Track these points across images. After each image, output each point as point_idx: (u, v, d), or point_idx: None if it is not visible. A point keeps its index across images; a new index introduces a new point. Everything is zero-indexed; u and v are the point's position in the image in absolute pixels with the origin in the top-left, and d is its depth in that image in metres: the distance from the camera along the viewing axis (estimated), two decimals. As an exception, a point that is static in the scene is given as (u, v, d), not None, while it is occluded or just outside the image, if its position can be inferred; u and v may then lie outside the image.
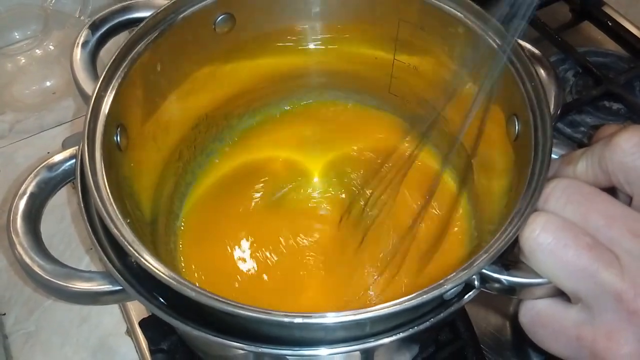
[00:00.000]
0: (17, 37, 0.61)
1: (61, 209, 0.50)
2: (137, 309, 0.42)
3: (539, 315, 0.26)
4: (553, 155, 0.29)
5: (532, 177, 0.28)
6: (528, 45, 0.35)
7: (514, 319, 0.43)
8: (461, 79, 0.38)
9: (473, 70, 0.36)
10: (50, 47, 0.60)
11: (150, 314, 0.41)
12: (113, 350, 0.43)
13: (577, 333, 0.25)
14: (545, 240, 0.24)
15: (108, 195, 0.29)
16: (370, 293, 0.39)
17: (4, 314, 0.45)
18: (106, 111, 0.32)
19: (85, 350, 0.43)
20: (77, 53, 0.35)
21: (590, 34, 0.63)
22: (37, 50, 0.59)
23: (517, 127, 0.32)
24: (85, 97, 0.33)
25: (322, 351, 0.27)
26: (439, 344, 0.39)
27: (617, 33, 0.60)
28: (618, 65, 0.58)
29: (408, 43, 0.40)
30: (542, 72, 0.33)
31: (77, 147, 0.31)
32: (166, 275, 0.26)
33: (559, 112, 0.34)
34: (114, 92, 0.32)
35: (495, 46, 0.33)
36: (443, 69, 0.39)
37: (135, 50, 0.34)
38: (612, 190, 0.27)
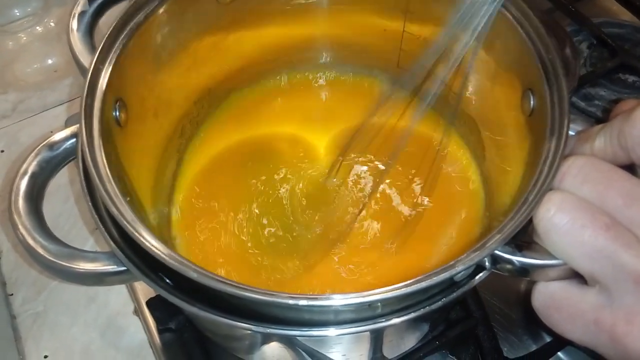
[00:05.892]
0: (18, 14, 0.60)
1: (66, 189, 0.49)
2: (144, 289, 0.42)
3: (553, 298, 0.26)
4: (569, 132, 0.28)
5: (548, 155, 0.27)
6: (543, 16, 0.33)
7: (525, 297, 0.42)
8: (473, 52, 0.36)
9: (486, 43, 0.35)
10: (51, 24, 0.59)
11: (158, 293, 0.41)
12: (121, 330, 0.43)
13: (594, 317, 0.24)
14: (561, 220, 0.24)
15: (107, 172, 0.28)
16: (376, 270, 0.38)
17: (12, 295, 0.45)
18: (104, 85, 0.31)
19: (94, 330, 0.43)
20: (74, 24, 0.34)
21: (604, 4, 0.61)
22: (37, 28, 0.59)
23: (532, 102, 0.31)
24: (83, 70, 0.32)
25: (331, 331, 0.27)
26: (450, 322, 0.39)
27: (633, 3, 0.58)
28: (634, 37, 0.56)
29: (419, 14, 0.39)
30: (557, 43, 0.32)
31: (78, 125, 0.30)
32: (167, 256, 0.25)
33: (574, 85, 0.32)
34: (112, 64, 0.31)
35: (512, 18, 0.32)
36: (455, 41, 0.38)
37: (135, 20, 0.33)
38: (631, 169, 0.26)
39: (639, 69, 0.52)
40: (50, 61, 0.58)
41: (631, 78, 0.53)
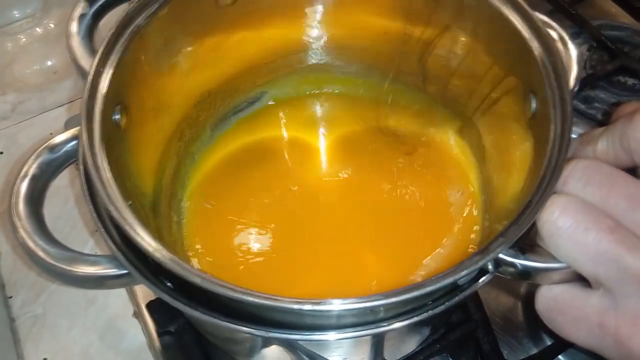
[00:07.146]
0: (17, 15, 0.60)
1: (65, 191, 0.49)
2: (144, 292, 0.42)
3: (557, 302, 0.26)
4: (572, 135, 0.28)
5: (551, 158, 0.27)
6: (545, 18, 0.33)
7: (525, 300, 0.42)
8: (475, 54, 0.36)
9: (488, 46, 0.35)
10: (51, 25, 0.59)
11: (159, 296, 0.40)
12: (121, 333, 0.43)
13: (599, 320, 0.24)
14: (565, 223, 0.24)
15: (108, 176, 0.28)
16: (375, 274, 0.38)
17: (11, 297, 0.45)
18: (105, 88, 0.31)
19: (93, 333, 0.43)
20: (74, 26, 0.34)
21: (604, 6, 0.61)
22: (37, 29, 0.59)
23: (534, 105, 0.31)
24: (82, 73, 0.32)
25: (333, 335, 0.27)
26: (450, 325, 0.39)
27: (633, 5, 0.58)
28: (633, 39, 0.56)
29: (420, 17, 0.39)
30: (559, 46, 0.32)
31: (79, 127, 0.30)
32: (169, 260, 0.25)
33: (576, 88, 0.32)
34: (112, 67, 0.31)
35: (513, 20, 0.32)
36: (456, 44, 0.38)
37: (135, 23, 0.33)
38: (633, 171, 0.26)
39: (638, 72, 0.52)
40: (49, 63, 0.58)
41: (631, 81, 0.53)
